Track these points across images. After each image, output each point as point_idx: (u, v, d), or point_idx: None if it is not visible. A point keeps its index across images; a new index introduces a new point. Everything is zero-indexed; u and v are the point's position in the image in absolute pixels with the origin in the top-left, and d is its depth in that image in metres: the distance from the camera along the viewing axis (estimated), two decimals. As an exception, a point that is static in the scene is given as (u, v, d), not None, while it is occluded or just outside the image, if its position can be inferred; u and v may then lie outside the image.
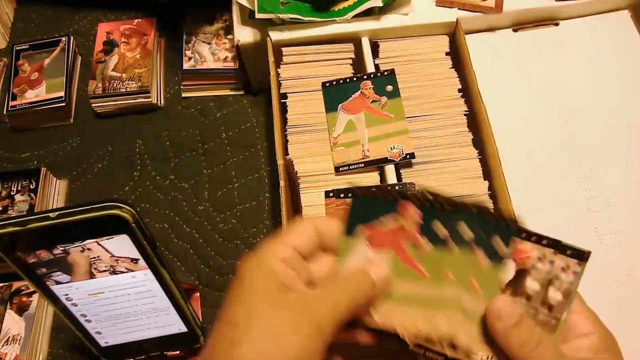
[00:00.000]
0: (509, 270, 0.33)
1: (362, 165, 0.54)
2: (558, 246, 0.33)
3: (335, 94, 0.57)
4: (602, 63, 0.62)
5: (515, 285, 0.33)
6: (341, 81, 0.58)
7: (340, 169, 0.54)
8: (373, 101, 0.56)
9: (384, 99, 0.56)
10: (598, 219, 0.55)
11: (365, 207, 0.35)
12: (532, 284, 0.33)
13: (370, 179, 0.53)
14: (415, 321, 0.32)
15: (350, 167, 0.54)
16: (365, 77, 0.57)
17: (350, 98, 0.57)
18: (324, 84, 0.58)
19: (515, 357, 0.31)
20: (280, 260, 0.31)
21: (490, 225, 0.33)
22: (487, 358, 0.32)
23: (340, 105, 0.57)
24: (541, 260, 0.33)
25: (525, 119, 0.60)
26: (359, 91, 0.57)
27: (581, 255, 0.33)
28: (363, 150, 0.54)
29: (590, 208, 0.55)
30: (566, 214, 0.55)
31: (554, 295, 0.33)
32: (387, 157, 0.53)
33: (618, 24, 0.64)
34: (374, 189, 0.35)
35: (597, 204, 0.55)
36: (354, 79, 0.58)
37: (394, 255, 0.34)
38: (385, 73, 0.57)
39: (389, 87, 0.56)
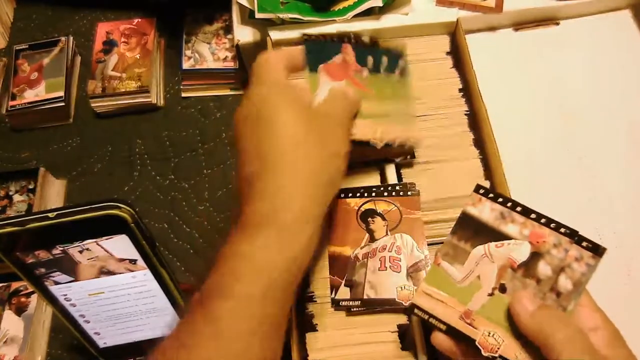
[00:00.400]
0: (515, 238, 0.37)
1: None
2: (575, 236, 0.35)
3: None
4: (603, 63, 0.62)
5: (527, 267, 0.35)
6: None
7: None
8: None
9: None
10: (598, 218, 0.54)
11: (319, 51, 0.46)
12: (544, 269, 0.36)
13: (371, 179, 0.53)
14: (375, 131, 0.44)
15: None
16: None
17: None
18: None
19: (538, 342, 0.33)
20: (283, 75, 0.41)
21: (391, 54, 0.50)
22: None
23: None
24: (556, 247, 0.36)
25: (525, 119, 0.60)
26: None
27: (596, 250, 0.35)
28: None
29: (590, 208, 0.55)
30: (566, 214, 0.54)
31: (565, 283, 0.35)
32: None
33: (618, 23, 0.64)
34: (322, 35, 0.48)
35: (598, 203, 0.55)
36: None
37: (347, 81, 0.45)
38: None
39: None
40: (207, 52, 0.72)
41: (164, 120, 0.72)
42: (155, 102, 0.72)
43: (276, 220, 0.34)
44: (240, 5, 0.62)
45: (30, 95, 0.71)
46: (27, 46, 0.75)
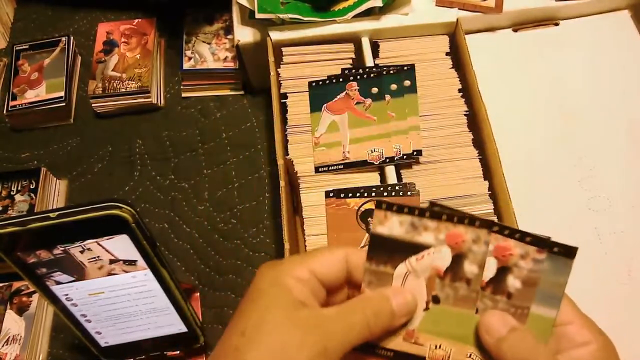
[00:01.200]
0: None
1: (342, 166, 0.54)
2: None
3: (321, 93, 0.57)
4: (602, 63, 0.62)
5: (456, 271, 0.33)
6: (327, 81, 0.57)
7: (320, 169, 0.54)
8: (357, 103, 0.56)
9: (369, 101, 0.56)
10: (598, 218, 0.55)
11: (323, 93, 0.55)
12: (470, 268, 0.33)
13: (371, 179, 0.53)
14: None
15: (330, 168, 0.54)
16: (351, 77, 0.57)
17: (335, 99, 0.56)
18: (310, 83, 0.57)
19: None
20: (297, 279, 0.31)
21: (399, 76, 0.56)
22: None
23: (325, 105, 0.56)
24: (476, 243, 0.33)
25: (525, 119, 0.60)
26: (344, 92, 0.56)
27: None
28: (344, 152, 0.54)
29: (590, 208, 0.55)
30: (566, 214, 0.55)
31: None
32: (366, 160, 0.53)
33: (618, 24, 0.64)
34: (326, 79, 0.56)
35: (598, 203, 0.55)
36: (340, 79, 0.57)
37: (349, 114, 0.50)
38: (405, 68, 0.57)
39: (407, 82, 0.56)
40: (207, 52, 0.72)
41: (164, 120, 0.72)
42: (156, 102, 0.72)
43: None
44: (241, 6, 0.62)
45: (31, 96, 0.71)
46: (27, 46, 0.75)
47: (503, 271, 0.33)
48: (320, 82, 0.57)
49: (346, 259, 0.33)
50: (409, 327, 0.34)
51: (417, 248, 0.34)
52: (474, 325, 0.33)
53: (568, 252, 0.31)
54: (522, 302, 0.32)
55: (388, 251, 0.34)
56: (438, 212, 0.33)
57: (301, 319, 0.30)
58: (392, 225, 0.34)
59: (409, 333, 0.34)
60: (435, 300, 0.34)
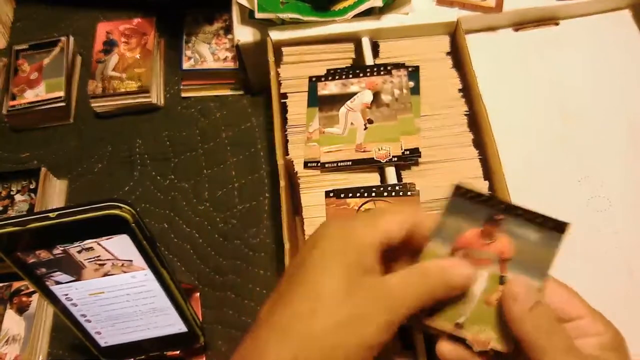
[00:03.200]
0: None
1: (350, 163, 0.54)
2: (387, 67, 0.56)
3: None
4: (603, 63, 0.62)
5: (376, 103, 0.56)
6: (328, 77, 0.58)
7: (309, 164, 0.54)
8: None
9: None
10: (599, 218, 0.55)
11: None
12: (386, 97, 0.56)
13: (370, 179, 0.53)
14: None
15: (326, 165, 0.54)
16: (351, 73, 0.58)
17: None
18: (310, 78, 0.58)
19: (526, 342, 0.31)
20: (367, 245, 0.33)
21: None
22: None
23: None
24: (385, 83, 0.57)
25: (525, 119, 0.60)
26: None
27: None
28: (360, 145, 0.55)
29: (590, 208, 0.55)
30: (567, 214, 0.54)
31: (385, 99, 0.55)
32: (373, 157, 0.53)
33: (618, 23, 0.64)
34: (327, 74, 0.59)
35: (598, 203, 0.55)
36: (343, 75, 0.58)
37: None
38: (410, 69, 0.57)
39: (411, 83, 0.57)
40: (207, 52, 0.72)
41: (164, 120, 0.72)
42: (156, 102, 0.72)
43: None
44: (240, 5, 0.62)
45: (31, 96, 0.71)
46: (27, 46, 0.75)
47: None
48: (322, 78, 0.58)
49: (410, 220, 0.35)
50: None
51: (349, 95, 0.56)
52: None
53: (559, 227, 0.34)
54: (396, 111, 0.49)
55: (331, 103, 0.56)
56: (354, 72, 0.56)
57: (370, 289, 0.32)
58: (330, 87, 0.57)
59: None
60: (370, 122, 0.55)
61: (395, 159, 0.53)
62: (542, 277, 0.34)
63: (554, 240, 0.34)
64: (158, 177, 0.68)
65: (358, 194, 0.51)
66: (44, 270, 0.44)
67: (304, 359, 0.30)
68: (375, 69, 0.58)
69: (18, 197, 0.63)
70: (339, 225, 0.34)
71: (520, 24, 0.65)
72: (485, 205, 0.35)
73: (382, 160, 0.53)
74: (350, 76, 0.57)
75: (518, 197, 0.51)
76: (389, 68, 0.57)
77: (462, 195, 0.35)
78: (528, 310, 0.32)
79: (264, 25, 0.61)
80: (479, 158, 0.54)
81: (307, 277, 0.32)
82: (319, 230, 0.34)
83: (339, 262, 0.32)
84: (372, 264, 0.33)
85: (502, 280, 0.35)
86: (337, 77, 0.58)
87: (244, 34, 0.63)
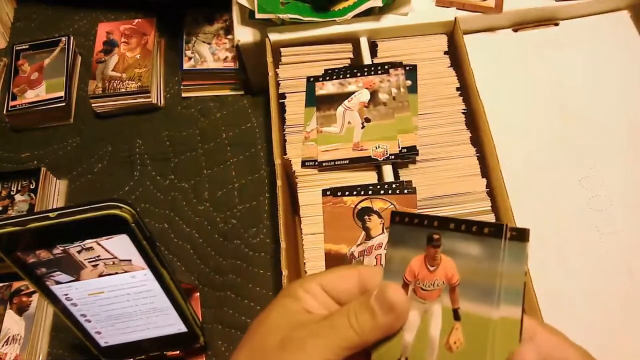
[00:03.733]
0: None
1: (347, 161, 0.54)
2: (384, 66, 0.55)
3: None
4: (602, 63, 0.62)
5: (373, 101, 0.55)
6: (326, 77, 0.58)
7: (306, 163, 0.54)
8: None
9: None
10: (599, 218, 0.55)
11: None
12: (383, 96, 0.57)
13: (368, 177, 0.53)
14: None
15: (324, 164, 0.54)
16: (348, 73, 0.58)
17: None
18: (308, 78, 0.58)
19: None
20: (306, 290, 0.31)
21: None
22: None
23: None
24: (382, 82, 0.57)
25: (525, 119, 0.60)
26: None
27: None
28: (357, 143, 0.55)
29: (591, 207, 0.55)
30: (567, 214, 0.55)
31: (383, 98, 0.54)
32: (370, 156, 0.53)
33: (618, 24, 0.64)
34: (325, 74, 0.59)
35: (598, 203, 0.55)
36: (345, 74, 0.58)
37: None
38: (408, 68, 0.58)
39: (408, 82, 0.57)
40: (207, 52, 0.72)
41: (164, 120, 0.72)
42: (156, 102, 0.72)
43: None
44: (241, 6, 0.62)
45: (31, 96, 0.71)
46: (27, 46, 0.75)
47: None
48: (320, 78, 0.58)
49: (359, 275, 0.32)
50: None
51: (347, 95, 0.57)
52: None
53: (521, 236, 0.28)
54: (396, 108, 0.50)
55: (329, 103, 0.56)
56: (350, 72, 0.57)
57: (297, 321, 0.30)
58: (328, 87, 0.57)
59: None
60: (367, 120, 0.55)
61: (393, 157, 0.53)
62: (518, 301, 0.28)
63: (521, 251, 0.28)
64: (158, 177, 0.68)
65: (355, 193, 0.51)
66: (44, 270, 0.44)
67: None
68: (372, 68, 0.58)
69: (18, 197, 0.63)
70: (289, 284, 0.34)
71: (520, 24, 0.65)
72: (421, 227, 0.30)
73: (379, 159, 0.53)
74: (348, 76, 0.58)
75: (518, 197, 0.51)
76: (386, 67, 0.57)
77: (400, 222, 0.31)
78: None
79: (264, 26, 0.61)
80: (477, 156, 0.54)
81: (257, 333, 0.31)
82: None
83: (277, 307, 0.32)
84: (313, 309, 0.31)
85: (456, 315, 0.29)
86: (334, 77, 0.58)
87: (244, 34, 0.63)
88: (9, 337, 0.57)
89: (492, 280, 0.28)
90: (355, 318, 0.29)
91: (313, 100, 0.57)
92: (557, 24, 0.65)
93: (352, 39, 0.60)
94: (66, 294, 0.46)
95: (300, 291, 0.31)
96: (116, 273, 0.45)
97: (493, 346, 0.28)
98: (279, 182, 0.53)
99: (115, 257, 0.44)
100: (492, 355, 0.28)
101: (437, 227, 0.30)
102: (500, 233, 0.28)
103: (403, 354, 0.30)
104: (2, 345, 0.57)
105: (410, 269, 0.30)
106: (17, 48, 0.75)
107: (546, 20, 0.65)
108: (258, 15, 0.59)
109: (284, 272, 0.48)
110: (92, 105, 0.71)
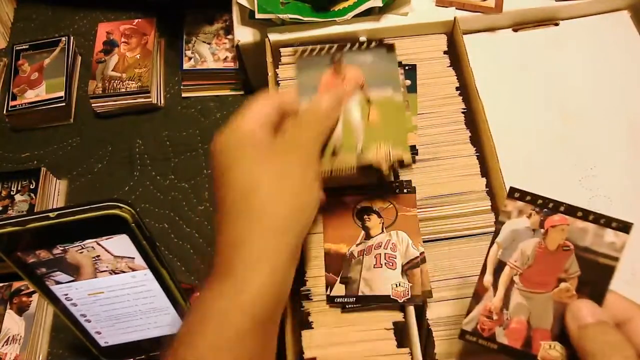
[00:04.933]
0: None
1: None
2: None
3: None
4: (602, 63, 0.62)
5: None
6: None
7: None
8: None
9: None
10: (598, 218, 0.54)
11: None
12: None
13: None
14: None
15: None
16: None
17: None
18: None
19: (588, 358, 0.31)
20: (254, 121, 0.39)
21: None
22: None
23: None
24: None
25: (526, 119, 0.60)
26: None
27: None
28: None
29: (591, 207, 0.55)
30: (566, 214, 0.55)
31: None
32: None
33: (618, 24, 0.64)
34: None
35: (598, 203, 0.55)
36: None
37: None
38: (407, 68, 0.57)
39: (408, 82, 0.56)
40: (207, 52, 0.72)
41: (164, 120, 0.72)
42: (156, 102, 0.72)
43: (228, 269, 0.35)
44: (241, 6, 0.62)
45: (31, 96, 0.71)
46: (27, 46, 0.75)
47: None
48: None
49: (274, 100, 0.41)
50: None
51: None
52: None
53: (387, 46, 0.49)
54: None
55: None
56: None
57: (283, 144, 0.39)
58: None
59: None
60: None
61: None
62: (397, 87, 0.46)
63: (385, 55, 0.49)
64: (158, 177, 0.68)
65: (355, 192, 0.51)
66: (44, 270, 0.44)
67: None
68: None
69: (18, 197, 0.63)
70: (220, 138, 0.39)
71: (520, 24, 0.65)
72: (322, 55, 0.47)
73: None
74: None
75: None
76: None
77: (301, 56, 0.48)
78: (586, 327, 0.32)
79: (264, 26, 0.61)
80: (476, 155, 0.54)
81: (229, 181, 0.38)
82: (215, 151, 0.39)
83: (245, 151, 0.38)
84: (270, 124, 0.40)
85: (369, 100, 0.45)
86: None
87: (244, 34, 0.63)
88: (9, 337, 0.57)
89: (383, 75, 0.47)
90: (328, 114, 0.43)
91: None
92: (557, 24, 0.65)
93: (352, 39, 0.60)
94: (66, 294, 0.47)
95: (247, 130, 0.39)
96: (116, 273, 0.45)
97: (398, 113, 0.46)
98: None
99: (115, 257, 0.44)
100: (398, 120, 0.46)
101: (337, 50, 0.48)
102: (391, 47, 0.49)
103: (337, 145, 0.43)
104: (2, 345, 0.57)
105: (323, 83, 0.45)
106: (17, 48, 0.75)
107: (546, 20, 0.65)
108: (258, 16, 0.59)
109: (284, 272, 0.48)
110: (92, 105, 0.71)
